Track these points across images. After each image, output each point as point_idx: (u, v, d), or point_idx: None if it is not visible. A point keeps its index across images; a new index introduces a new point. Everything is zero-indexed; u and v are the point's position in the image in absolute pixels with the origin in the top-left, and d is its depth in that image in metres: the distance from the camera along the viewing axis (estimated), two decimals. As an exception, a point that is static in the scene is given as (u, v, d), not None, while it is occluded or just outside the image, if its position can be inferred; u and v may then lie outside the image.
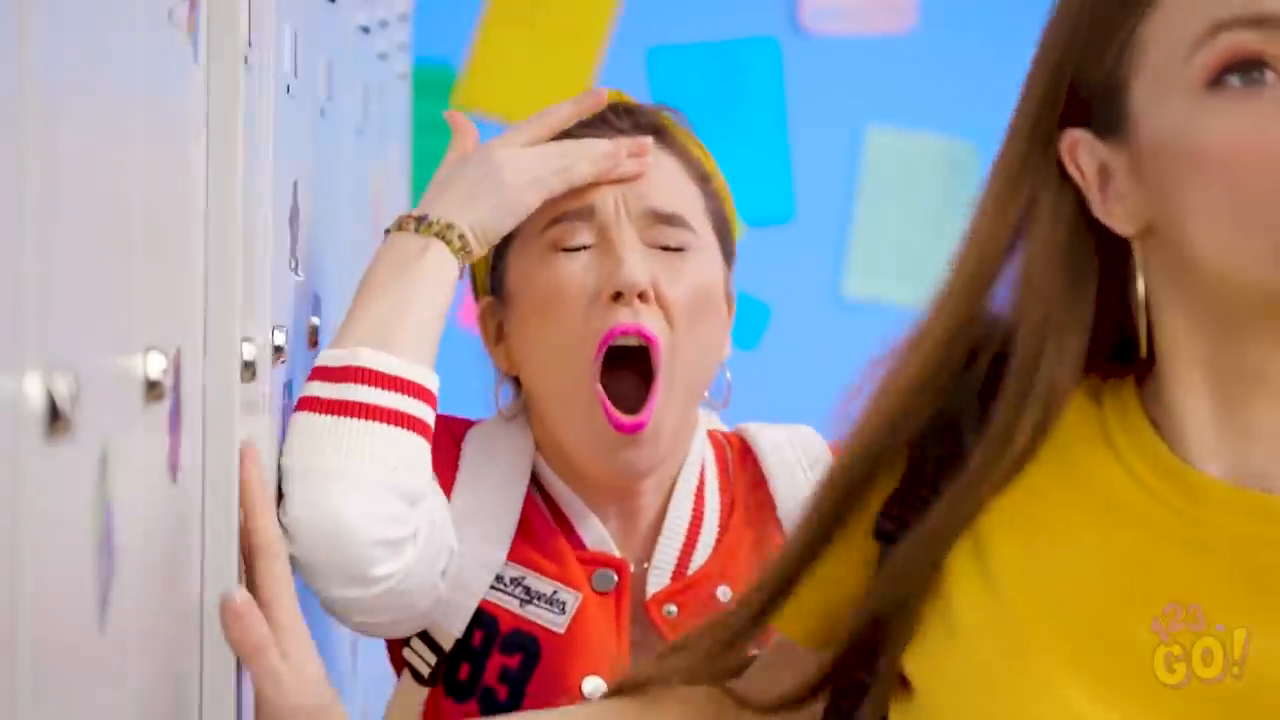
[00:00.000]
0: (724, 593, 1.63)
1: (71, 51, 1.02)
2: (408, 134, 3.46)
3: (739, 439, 1.73)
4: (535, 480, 1.67)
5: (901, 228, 3.94)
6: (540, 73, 3.93)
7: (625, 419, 1.59)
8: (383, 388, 1.52)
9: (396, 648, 1.67)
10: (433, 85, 3.89)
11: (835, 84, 3.94)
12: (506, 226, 1.61)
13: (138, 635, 1.23)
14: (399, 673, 1.68)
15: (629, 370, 1.61)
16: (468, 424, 1.71)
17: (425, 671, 1.63)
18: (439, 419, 1.64)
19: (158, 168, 1.30)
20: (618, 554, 1.64)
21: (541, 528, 1.65)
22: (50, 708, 0.98)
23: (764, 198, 3.90)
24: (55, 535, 0.99)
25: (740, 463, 1.71)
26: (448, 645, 1.62)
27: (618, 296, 1.60)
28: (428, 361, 1.56)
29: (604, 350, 1.60)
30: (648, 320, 1.60)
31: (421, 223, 1.58)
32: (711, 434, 1.73)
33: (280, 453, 1.54)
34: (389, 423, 1.51)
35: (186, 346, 1.40)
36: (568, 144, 1.64)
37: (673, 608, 1.63)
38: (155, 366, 1.22)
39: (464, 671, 1.62)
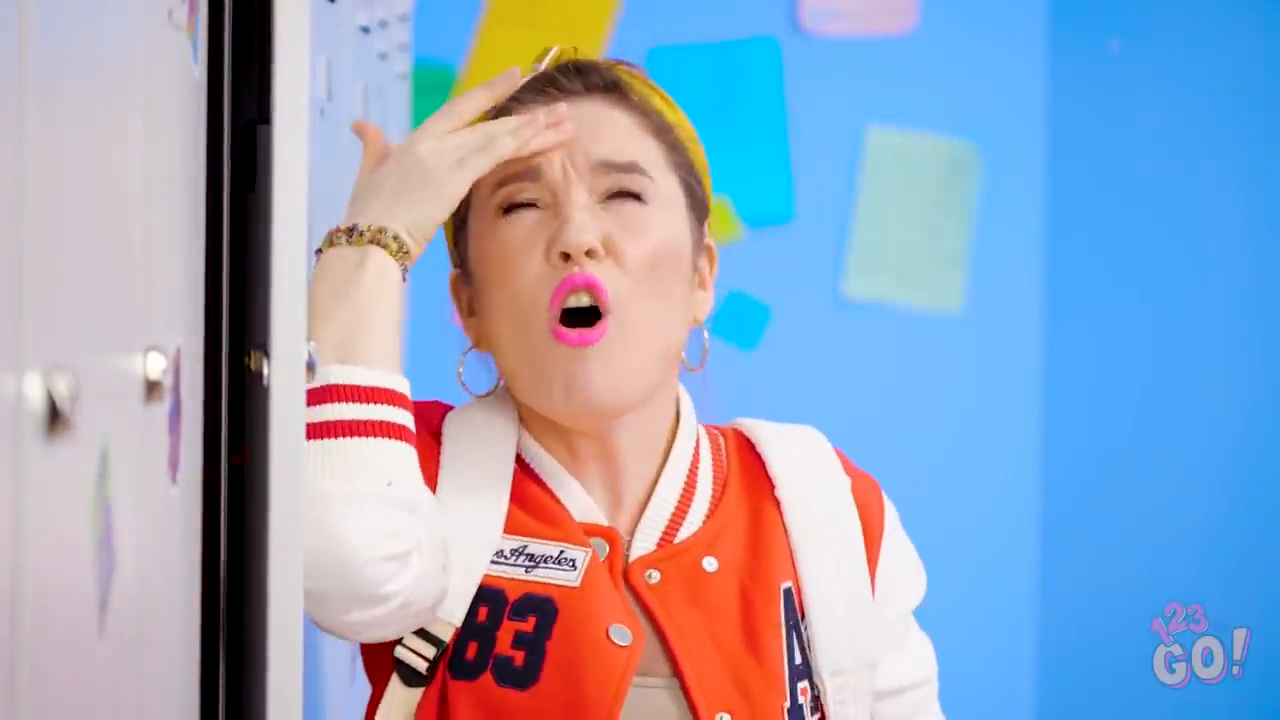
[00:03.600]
0: (710, 563, 1.63)
1: (71, 51, 1.02)
2: (408, 134, 3.45)
3: (734, 430, 1.74)
4: (519, 458, 1.67)
5: (901, 228, 3.94)
6: (540, 73, 3.93)
7: (571, 331, 1.58)
8: (358, 401, 1.53)
9: (379, 654, 1.65)
10: (433, 85, 3.89)
11: (835, 84, 3.94)
12: (440, 216, 1.60)
13: (138, 635, 1.23)
14: (378, 680, 1.65)
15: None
16: (442, 409, 1.71)
17: (423, 667, 1.61)
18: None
19: (158, 167, 1.30)
20: (605, 523, 1.64)
21: (535, 498, 1.65)
22: (50, 707, 0.98)
23: (764, 198, 3.90)
24: (55, 535, 0.99)
25: (736, 448, 1.72)
26: (447, 635, 1.60)
27: (566, 258, 1.59)
28: (395, 367, 1.56)
29: (559, 305, 1.59)
30: (597, 271, 1.59)
31: (352, 234, 1.59)
32: (707, 427, 1.73)
33: None
34: (373, 435, 1.52)
35: (186, 346, 1.40)
36: (488, 123, 1.62)
37: (655, 574, 1.62)
38: (155, 366, 1.23)
39: (472, 650, 1.60)
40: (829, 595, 1.64)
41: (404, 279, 1.60)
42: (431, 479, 1.63)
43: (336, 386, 1.53)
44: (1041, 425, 3.98)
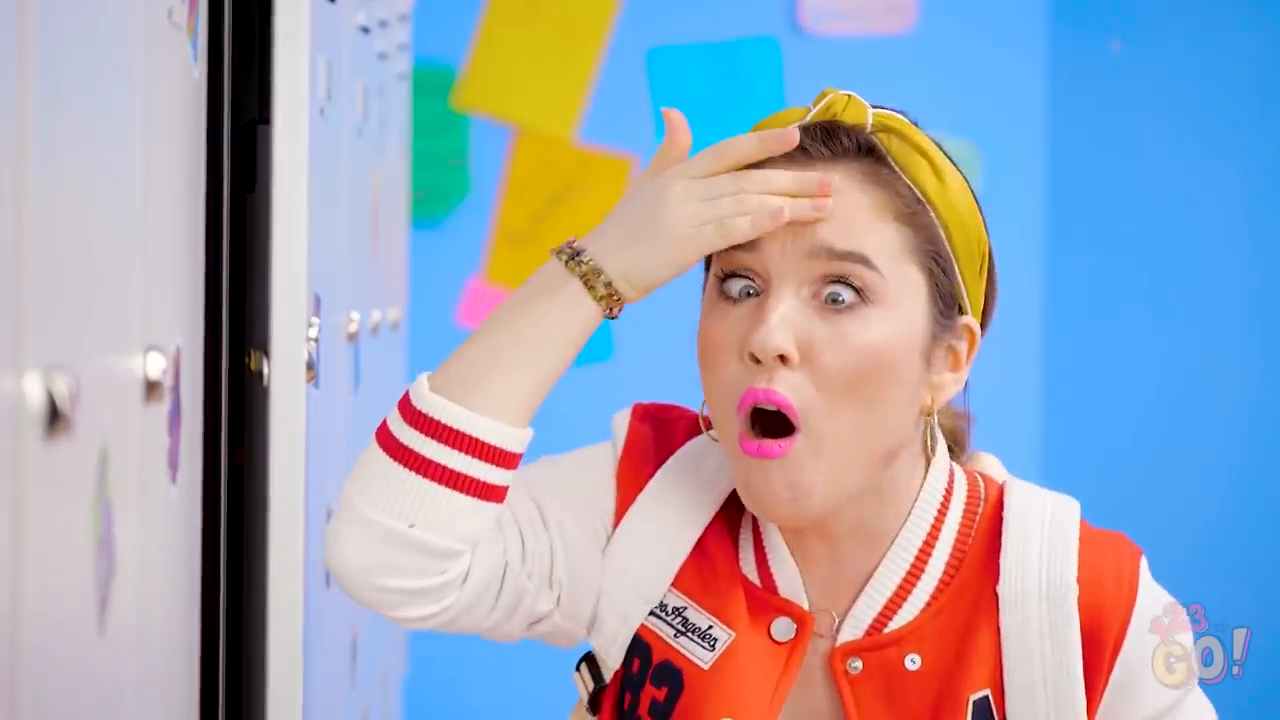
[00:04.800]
0: (912, 661, 1.56)
1: (71, 51, 1.02)
2: (407, 134, 3.45)
3: (999, 493, 1.62)
4: (752, 516, 1.60)
5: (901, 228, 3.94)
6: (540, 73, 3.93)
7: (754, 442, 1.50)
8: (440, 441, 1.48)
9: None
10: (433, 85, 3.89)
11: (835, 84, 3.92)
12: (664, 276, 1.52)
13: (138, 635, 1.24)
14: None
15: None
16: (696, 430, 1.63)
17: (585, 697, 1.62)
18: (665, 420, 1.61)
19: (158, 168, 1.30)
20: (806, 606, 1.58)
21: (721, 560, 1.59)
22: (50, 707, 0.98)
23: (764, 198, 3.90)
24: (55, 535, 0.99)
25: (989, 518, 1.61)
26: (606, 676, 1.60)
27: (757, 360, 1.49)
28: (513, 414, 1.49)
29: (743, 413, 1.51)
30: (785, 386, 1.49)
31: (575, 258, 1.52)
32: (974, 480, 1.64)
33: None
34: (433, 479, 1.47)
35: (186, 346, 1.40)
36: (742, 179, 1.53)
37: (858, 663, 1.57)
38: (155, 366, 1.23)
39: (627, 700, 1.59)
40: (1031, 717, 1.55)
41: (602, 318, 1.52)
42: (627, 500, 1.60)
43: (426, 417, 1.48)
44: (1041, 425, 3.98)
